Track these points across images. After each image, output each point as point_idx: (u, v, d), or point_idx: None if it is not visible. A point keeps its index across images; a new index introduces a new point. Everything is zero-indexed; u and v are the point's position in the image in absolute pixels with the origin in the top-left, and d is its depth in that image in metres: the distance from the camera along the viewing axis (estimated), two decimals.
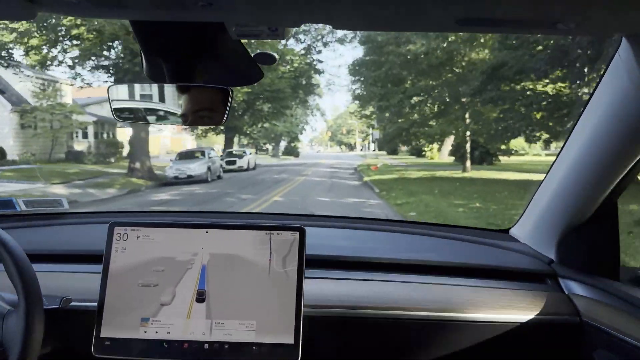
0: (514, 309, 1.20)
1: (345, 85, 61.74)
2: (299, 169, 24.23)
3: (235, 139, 38.16)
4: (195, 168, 16.44)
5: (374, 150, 65.12)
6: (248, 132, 30.87)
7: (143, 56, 0.93)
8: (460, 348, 1.20)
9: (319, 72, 28.36)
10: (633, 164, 1.08)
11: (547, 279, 1.31)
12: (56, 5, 0.72)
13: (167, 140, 57.72)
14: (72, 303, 1.06)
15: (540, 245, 1.38)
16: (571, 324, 1.16)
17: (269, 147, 53.46)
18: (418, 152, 39.95)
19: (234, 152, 24.54)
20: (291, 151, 50.19)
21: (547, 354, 1.20)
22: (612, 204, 1.21)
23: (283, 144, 53.34)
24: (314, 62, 24.99)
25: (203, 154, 18.03)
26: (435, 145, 33.20)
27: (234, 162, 22.65)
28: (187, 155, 18.27)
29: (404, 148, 52.22)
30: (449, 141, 32.58)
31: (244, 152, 24.08)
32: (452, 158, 33.42)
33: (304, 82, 26.17)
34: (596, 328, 1.11)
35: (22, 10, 0.70)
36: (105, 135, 28.96)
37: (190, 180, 16.26)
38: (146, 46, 0.90)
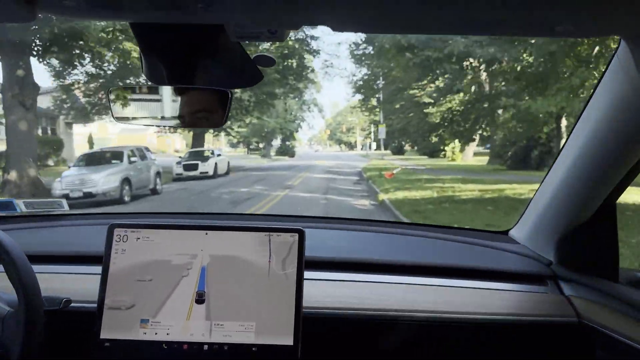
0: (513, 311, 1.18)
1: (346, 76, 54.29)
2: (286, 175, 18.06)
3: (223, 137, 30.80)
4: (100, 180, 9.08)
5: (376, 150, 57.85)
6: (227, 128, 23.56)
7: (142, 58, 0.91)
8: (460, 349, 1.19)
9: (313, 52, 20.99)
10: (632, 165, 1.07)
11: (546, 280, 1.30)
12: (56, 7, 0.71)
13: (154, 139, 49.73)
14: (72, 304, 1.04)
15: (540, 246, 1.36)
16: (570, 325, 1.15)
17: (262, 145, 46.34)
18: (431, 152, 32.33)
19: (197, 153, 17.26)
20: (286, 150, 43.24)
21: (546, 355, 1.18)
22: (611, 206, 1.19)
23: (278, 143, 46.19)
24: (307, 39, 20.19)
25: (120, 156, 10.58)
26: (457, 144, 25.40)
27: (194, 167, 15.67)
28: (99, 159, 10.87)
29: (407, 147, 44.46)
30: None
31: (212, 153, 17.00)
32: (476, 158, 25.70)
33: (294, 65, 21.16)
34: (595, 329, 1.10)
35: (22, 12, 0.70)
36: (40, 132, 21.42)
37: (92, 200, 8.77)
38: (146, 48, 0.88)
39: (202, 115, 0.92)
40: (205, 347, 1.02)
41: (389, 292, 1.23)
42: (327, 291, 1.21)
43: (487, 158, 28.41)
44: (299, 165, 26.75)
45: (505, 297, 1.24)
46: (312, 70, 25.92)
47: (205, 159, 17.26)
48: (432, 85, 26.10)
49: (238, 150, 53.40)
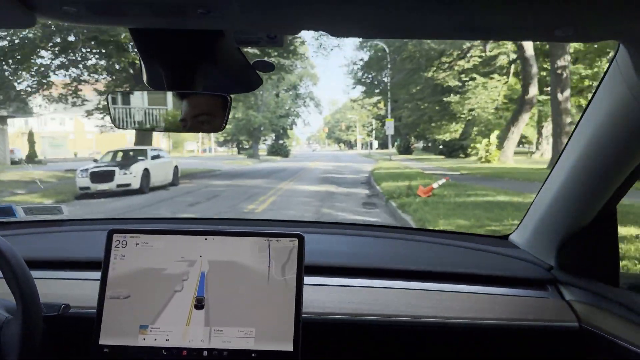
0: (514, 316, 1.16)
1: (346, 65, 47.95)
2: (259, 186, 12.66)
3: (212, 136, 25.73)
4: None
5: (378, 148, 51.12)
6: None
7: (142, 64, 0.90)
8: (460, 355, 1.17)
9: None
10: (632, 169, 1.06)
11: (547, 285, 1.28)
12: (55, 13, 0.70)
13: (134, 138, 41.79)
14: (71, 310, 1.02)
15: (540, 251, 1.34)
16: (571, 330, 1.12)
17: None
18: (450, 151, 25.64)
19: (124, 155, 10.47)
20: (279, 150, 36.79)
21: None
22: (611, 210, 1.17)
23: (271, 142, 39.86)
24: None
25: None
26: (493, 140, 18.45)
27: (108, 177, 8.74)
28: None
29: (415, 145, 38.05)
30: (516, 132, 17.09)
31: (143, 156, 10.02)
32: (516, 158, 18.93)
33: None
34: (596, 334, 1.08)
35: (22, 18, 0.69)
36: None
37: None
38: (146, 54, 0.87)
39: (203, 118, 0.89)
40: (205, 352, 0.99)
41: (389, 298, 1.20)
42: (327, 296, 1.19)
43: (525, 158, 21.10)
44: (287, 168, 20.52)
45: (505, 302, 1.22)
46: (303, 43, 19.46)
47: (128, 163, 10.62)
48: (460, 64, 18.49)
49: (228, 150, 46.56)
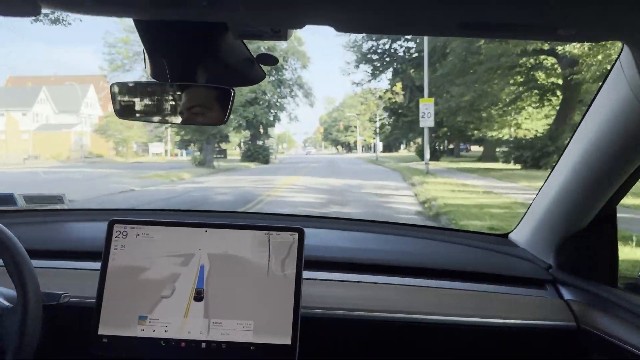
0: (512, 314, 1.14)
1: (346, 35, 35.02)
2: None
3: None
4: None
5: (382, 151, 36.47)
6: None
7: (146, 54, 0.89)
8: (458, 352, 1.15)
9: None
10: (633, 171, 1.04)
11: (546, 284, 1.25)
12: (59, 2, 0.70)
13: (85, 139, 28.43)
14: (71, 300, 1.02)
15: (539, 250, 1.30)
16: (569, 330, 1.10)
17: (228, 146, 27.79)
18: (536, 158, 11.28)
19: None
20: (255, 154, 24.70)
21: None
22: (611, 211, 1.15)
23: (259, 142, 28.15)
24: None
25: None
26: None
27: None
28: None
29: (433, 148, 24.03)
30: None
31: None
32: None
33: None
34: (594, 334, 1.06)
35: (25, 7, 0.68)
36: None
37: None
38: (149, 45, 0.86)
39: (197, 110, 0.88)
40: (203, 345, 0.97)
41: (387, 294, 1.18)
42: (326, 291, 1.16)
43: None
44: (229, 199, 8.39)
45: (504, 300, 1.18)
46: None
47: None
48: None
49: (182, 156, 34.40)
